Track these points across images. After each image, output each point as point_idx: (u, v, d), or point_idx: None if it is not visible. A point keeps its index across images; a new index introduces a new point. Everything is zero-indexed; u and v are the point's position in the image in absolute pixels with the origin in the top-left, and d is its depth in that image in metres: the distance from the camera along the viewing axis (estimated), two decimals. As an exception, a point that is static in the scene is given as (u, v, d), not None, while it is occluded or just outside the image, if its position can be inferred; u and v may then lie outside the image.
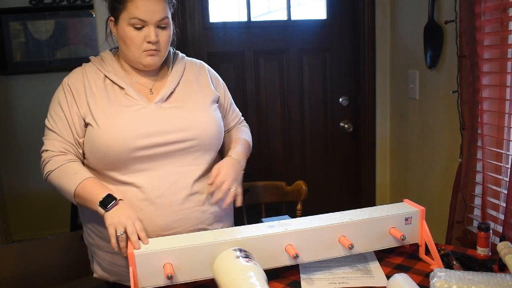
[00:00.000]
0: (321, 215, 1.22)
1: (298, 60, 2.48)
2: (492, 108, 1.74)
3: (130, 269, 1.04)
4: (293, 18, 2.45)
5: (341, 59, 2.53)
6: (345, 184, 2.66)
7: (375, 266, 1.21)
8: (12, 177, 3.47)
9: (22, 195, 3.51)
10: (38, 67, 3.42)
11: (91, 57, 1.43)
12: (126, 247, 1.12)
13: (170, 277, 1.03)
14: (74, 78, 1.35)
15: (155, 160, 1.27)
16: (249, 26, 2.39)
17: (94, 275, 1.43)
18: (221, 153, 1.49)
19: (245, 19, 2.39)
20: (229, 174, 1.32)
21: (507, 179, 1.58)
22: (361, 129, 2.57)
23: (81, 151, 1.33)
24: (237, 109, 1.61)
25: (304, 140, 2.56)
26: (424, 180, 2.27)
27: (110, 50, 1.42)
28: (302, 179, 2.05)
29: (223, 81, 1.57)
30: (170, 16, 1.31)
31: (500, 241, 1.21)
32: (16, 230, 3.55)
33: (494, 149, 1.75)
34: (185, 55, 1.50)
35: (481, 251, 1.24)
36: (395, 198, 2.58)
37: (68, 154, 1.31)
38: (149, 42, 1.27)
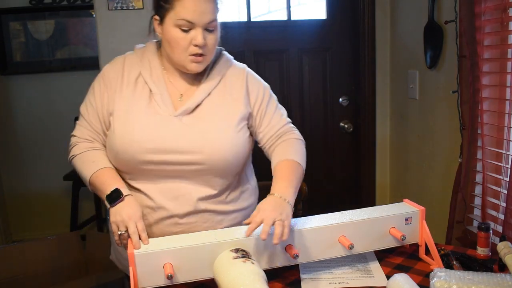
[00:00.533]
0: (321, 215, 1.22)
1: (298, 60, 2.48)
2: (492, 108, 1.74)
3: (130, 269, 1.04)
4: (293, 18, 2.46)
5: (341, 59, 2.53)
6: (345, 184, 2.66)
7: (375, 266, 1.21)
8: (12, 177, 3.47)
9: (22, 195, 3.51)
10: (38, 67, 3.42)
11: (136, 46, 1.36)
12: (137, 241, 1.12)
13: (170, 277, 1.03)
14: (111, 69, 1.31)
15: (162, 174, 1.24)
16: (249, 26, 2.39)
17: (110, 257, 1.44)
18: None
19: (245, 19, 2.39)
20: (268, 210, 1.11)
21: (507, 179, 1.58)
22: (361, 129, 2.57)
23: None
24: (280, 114, 1.37)
25: (304, 139, 2.56)
26: (424, 180, 2.27)
27: (157, 42, 1.34)
28: (302, 179, 2.05)
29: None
30: (217, 18, 1.22)
31: (500, 241, 1.21)
32: (16, 230, 3.55)
33: (494, 149, 1.75)
34: (231, 58, 1.38)
35: (481, 251, 1.24)
36: (395, 198, 2.58)
37: (94, 142, 1.31)
38: (195, 46, 1.19)
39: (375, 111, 2.55)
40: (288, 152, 1.29)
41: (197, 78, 1.30)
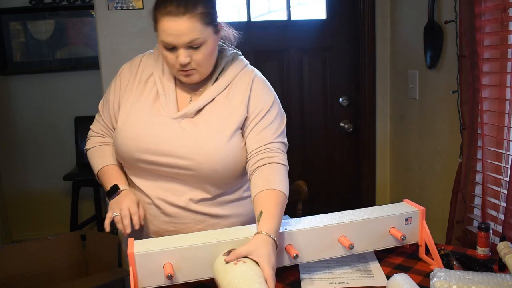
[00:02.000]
0: (321, 215, 1.22)
1: (298, 60, 2.48)
2: (492, 108, 1.74)
3: (130, 269, 1.04)
4: (293, 18, 2.46)
5: (341, 59, 2.53)
6: (345, 184, 2.66)
7: (375, 266, 1.21)
8: (13, 177, 3.48)
9: (22, 195, 3.51)
10: (38, 67, 3.42)
11: (157, 46, 1.32)
12: (128, 224, 1.19)
13: (170, 277, 1.03)
14: (128, 67, 1.33)
15: (157, 173, 1.26)
16: (249, 26, 2.39)
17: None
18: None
19: (245, 19, 2.39)
20: (272, 262, 1.01)
21: (507, 179, 1.58)
22: (361, 129, 2.57)
23: None
24: (273, 130, 1.26)
25: (304, 140, 2.56)
26: (424, 180, 2.27)
27: None
28: (302, 179, 2.05)
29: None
30: (206, 32, 1.16)
31: (500, 241, 1.21)
32: (16, 230, 3.55)
33: (494, 149, 1.75)
34: (246, 63, 1.34)
35: (481, 251, 1.24)
36: (395, 198, 2.58)
37: (105, 137, 1.38)
38: (180, 64, 1.18)
39: (375, 111, 2.55)
40: (274, 180, 1.18)
41: (207, 82, 1.29)
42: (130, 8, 2.25)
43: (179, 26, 1.13)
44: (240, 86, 1.28)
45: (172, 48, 1.17)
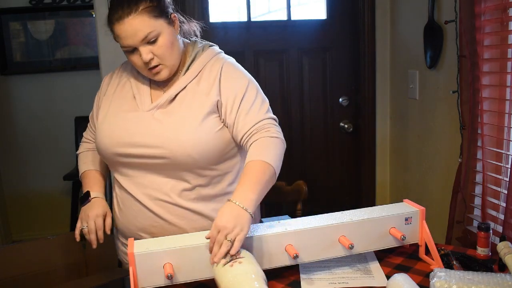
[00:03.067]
0: (321, 215, 1.22)
1: (298, 60, 2.48)
2: (492, 108, 1.74)
3: (130, 269, 1.04)
4: (293, 18, 2.45)
5: (341, 59, 2.53)
6: (345, 184, 2.66)
7: (375, 266, 1.21)
8: (12, 177, 3.48)
9: (22, 195, 3.51)
10: (38, 67, 3.42)
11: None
12: (94, 239, 1.28)
13: (170, 277, 1.03)
14: (109, 77, 1.42)
15: (136, 167, 1.28)
16: (249, 26, 2.39)
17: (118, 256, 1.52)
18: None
19: (245, 19, 2.39)
20: (222, 225, 1.05)
21: (507, 179, 1.58)
22: (361, 129, 2.57)
23: None
24: (257, 110, 1.26)
25: (304, 140, 2.56)
26: (424, 180, 2.27)
27: None
28: (302, 179, 2.05)
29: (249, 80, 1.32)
30: (157, 25, 1.20)
31: (500, 241, 1.21)
32: (16, 230, 3.55)
33: (494, 149, 1.74)
34: (218, 52, 1.35)
35: (481, 251, 1.24)
36: (395, 198, 2.58)
37: (91, 143, 1.46)
38: (145, 63, 1.22)
39: (375, 111, 2.55)
40: (258, 152, 1.18)
41: (179, 73, 1.32)
42: (130, 8, 2.24)
43: (129, 26, 1.18)
44: (209, 73, 1.30)
45: (134, 50, 1.21)
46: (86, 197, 1.35)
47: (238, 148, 1.33)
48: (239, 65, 1.36)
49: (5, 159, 3.45)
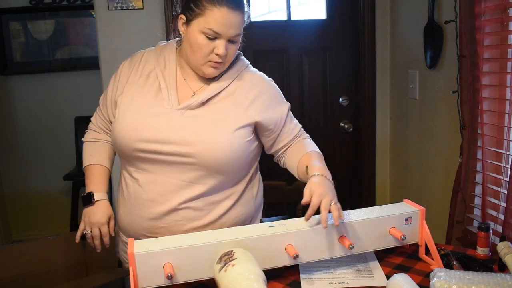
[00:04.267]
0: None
1: (298, 60, 2.48)
2: (492, 108, 1.74)
3: (130, 268, 1.04)
4: (293, 18, 2.46)
5: (341, 59, 2.53)
6: (345, 184, 2.66)
7: (375, 266, 1.21)
8: (12, 177, 3.48)
9: (22, 195, 3.51)
10: (38, 67, 3.42)
11: (159, 43, 1.39)
12: (98, 244, 1.32)
13: (170, 277, 1.03)
14: (129, 62, 1.36)
15: (155, 164, 1.26)
16: (249, 26, 2.39)
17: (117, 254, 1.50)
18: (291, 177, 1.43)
19: (245, 19, 2.39)
20: (324, 192, 1.15)
21: (507, 179, 1.58)
22: (361, 129, 2.57)
23: None
24: (294, 123, 1.43)
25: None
26: (424, 180, 2.27)
27: (177, 41, 1.37)
28: (302, 179, 2.05)
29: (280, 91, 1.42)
30: (242, 31, 1.27)
31: (500, 241, 1.21)
32: (16, 230, 3.55)
33: (494, 149, 1.75)
34: (248, 63, 1.40)
35: (481, 251, 1.24)
36: (395, 198, 2.58)
37: (101, 133, 1.42)
38: (216, 54, 1.22)
39: (375, 111, 2.55)
40: (307, 147, 1.37)
41: (210, 80, 1.32)
42: (130, 8, 2.25)
43: (234, 19, 1.20)
44: (248, 86, 1.32)
45: (214, 39, 1.21)
46: (89, 198, 1.32)
47: (256, 168, 1.42)
48: (277, 87, 1.42)
49: (5, 159, 3.45)
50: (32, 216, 3.55)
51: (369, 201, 2.62)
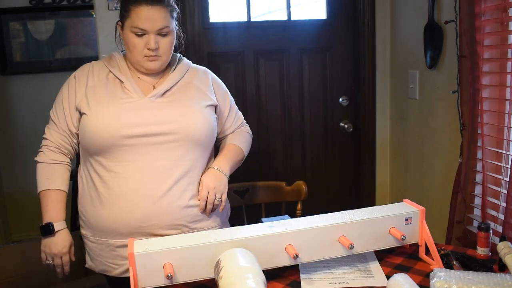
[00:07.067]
0: (321, 215, 1.22)
1: (298, 60, 2.48)
2: (492, 108, 1.74)
3: (130, 269, 1.04)
4: (293, 18, 2.45)
5: (341, 59, 2.53)
6: (345, 184, 2.66)
7: (375, 266, 1.21)
8: (12, 177, 3.47)
9: (22, 195, 3.50)
10: (38, 67, 3.42)
11: (103, 56, 1.54)
12: (61, 272, 1.39)
13: (170, 277, 1.03)
14: (81, 71, 1.45)
15: (139, 151, 1.32)
16: (249, 26, 2.39)
17: (86, 265, 1.49)
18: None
19: (245, 19, 2.39)
20: (211, 185, 1.38)
21: (507, 179, 1.58)
22: (361, 129, 2.57)
23: (76, 141, 1.43)
24: (239, 114, 1.64)
25: (304, 140, 2.56)
26: (424, 180, 2.27)
27: (122, 52, 1.50)
28: (302, 179, 2.05)
29: (224, 84, 1.60)
30: (172, 24, 1.37)
31: (500, 241, 1.21)
32: (16, 230, 3.55)
33: (494, 149, 1.75)
34: (190, 62, 1.55)
35: (481, 251, 1.24)
36: (395, 198, 2.58)
37: (59, 154, 1.42)
38: (149, 49, 1.34)
39: (375, 111, 2.55)
40: (235, 139, 1.56)
41: (163, 75, 1.45)
42: (130, 8, 2.25)
43: (155, 13, 1.31)
44: (199, 75, 1.50)
45: (141, 35, 1.33)
46: (48, 230, 1.35)
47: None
48: None
49: (5, 159, 3.45)
50: (32, 216, 3.54)
51: (369, 201, 2.62)
